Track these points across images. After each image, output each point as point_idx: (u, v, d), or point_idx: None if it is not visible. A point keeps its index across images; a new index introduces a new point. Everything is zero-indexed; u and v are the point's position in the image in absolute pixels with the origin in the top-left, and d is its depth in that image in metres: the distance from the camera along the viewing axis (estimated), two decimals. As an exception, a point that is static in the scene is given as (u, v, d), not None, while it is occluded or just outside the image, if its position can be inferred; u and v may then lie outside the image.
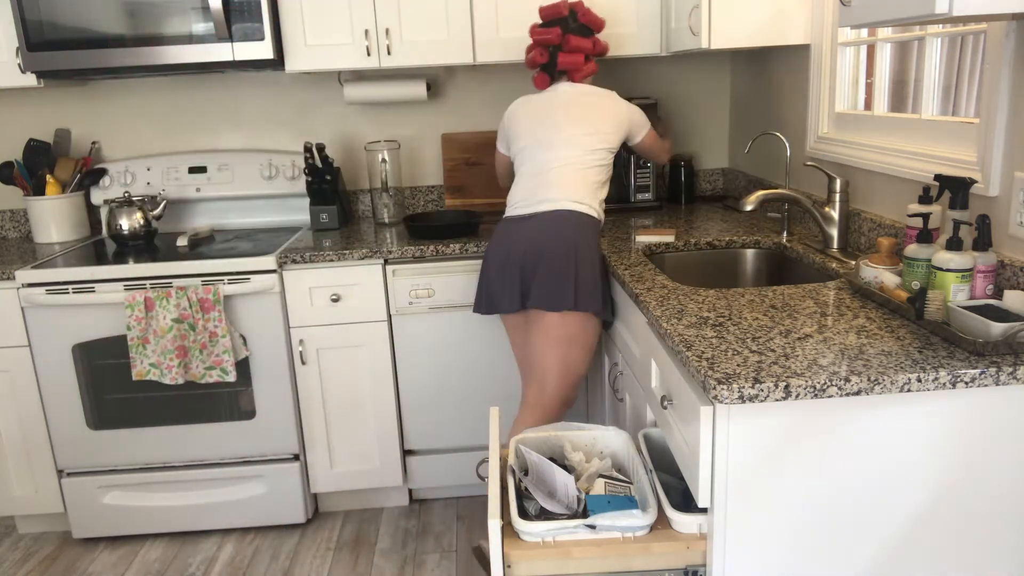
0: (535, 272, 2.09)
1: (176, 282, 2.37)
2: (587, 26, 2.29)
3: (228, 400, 2.49)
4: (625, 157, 2.88)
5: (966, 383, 1.24)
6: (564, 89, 2.28)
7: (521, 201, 2.21)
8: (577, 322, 2.10)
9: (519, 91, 3.02)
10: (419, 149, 3.05)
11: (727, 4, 2.23)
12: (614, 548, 1.39)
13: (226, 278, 2.37)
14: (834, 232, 2.09)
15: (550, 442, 1.69)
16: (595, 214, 2.19)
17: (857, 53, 2.19)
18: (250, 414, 2.50)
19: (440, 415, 2.60)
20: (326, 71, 2.72)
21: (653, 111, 2.82)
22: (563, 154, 2.18)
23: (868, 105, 2.21)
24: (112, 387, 2.46)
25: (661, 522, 1.43)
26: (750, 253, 2.29)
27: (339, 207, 2.78)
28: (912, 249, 1.58)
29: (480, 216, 2.65)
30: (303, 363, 2.49)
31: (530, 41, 2.38)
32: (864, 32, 2.11)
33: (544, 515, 1.47)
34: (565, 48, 2.26)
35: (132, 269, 2.38)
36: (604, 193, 2.26)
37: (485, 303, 2.21)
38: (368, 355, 2.51)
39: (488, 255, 2.21)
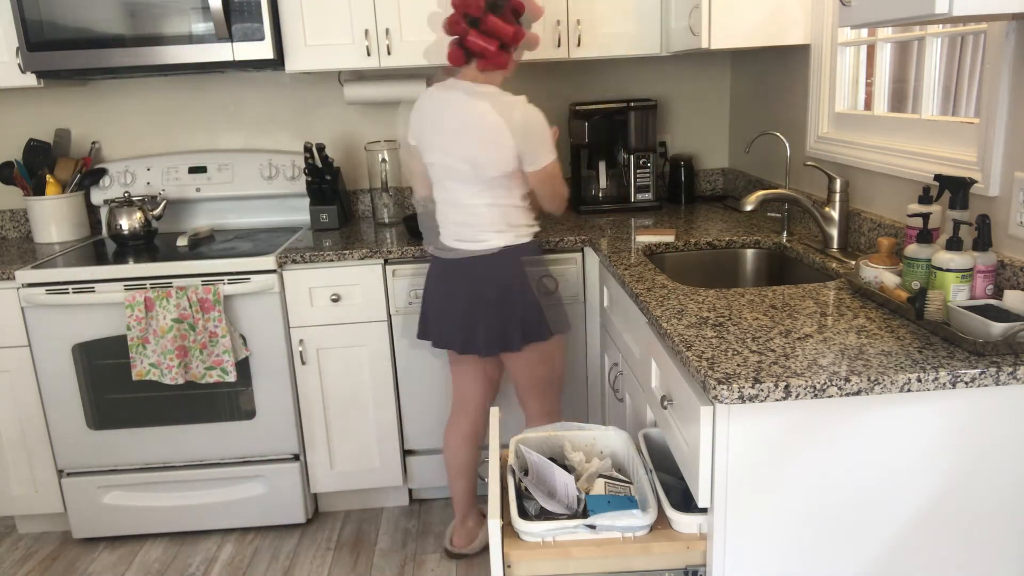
0: (482, 321, 2.07)
1: (176, 282, 2.37)
2: (516, 9, 1.98)
3: (228, 400, 2.49)
4: (625, 157, 2.89)
5: (966, 383, 1.24)
6: (457, 104, 2.00)
7: (445, 235, 2.12)
8: (538, 347, 2.15)
9: (519, 91, 3.01)
10: (419, 149, 3.04)
11: (727, 4, 2.23)
12: (614, 548, 1.39)
13: (226, 278, 2.37)
14: (834, 232, 2.09)
15: (550, 442, 1.69)
16: (518, 239, 2.08)
17: (857, 53, 2.19)
18: (250, 414, 2.50)
19: (440, 415, 2.60)
20: (326, 71, 2.72)
21: (654, 114, 2.82)
22: (471, 189, 2.03)
23: (868, 105, 2.21)
24: (112, 387, 2.46)
25: (661, 522, 1.43)
26: (750, 253, 2.29)
27: (339, 207, 2.78)
28: (912, 249, 1.58)
29: None
30: (303, 363, 2.49)
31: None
32: (864, 32, 2.11)
33: (544, 515, 1.47)
34: (480, 27, 1.95)
35: (132, 269, 2.38)
36: (524, 196, 2.09)
37: (437, 338, 2.18)
38: (368, 355, 2.51)
39: (430, 286, 2.18)
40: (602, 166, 2.93)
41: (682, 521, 1.39)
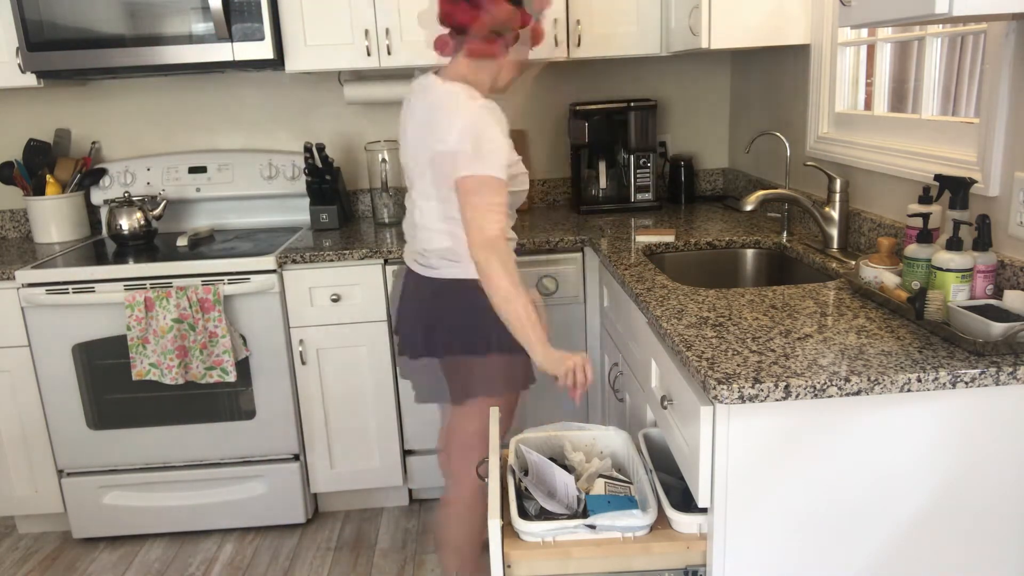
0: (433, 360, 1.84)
1: (176, 282, 2.37)
2: None
3: (228, 400, 2.49)
4: (625, 157, 2.89)
5: (966, 383, 1.24)
6: (423, 101, 1.73)
7: (406, 254, 1.90)
8: (483, 402, 1.83)
9: (519, 91, 3.01)
10: (419, 149, 3.04)
11: (727, 4, 2.23)
12: (614, 548, 1.39)
13: (226, 278, 2.37)
14: (834, 232, 2.09)
15: (550, 442, 1.69)
16: (465, 274, 1.73)
17: (857, 53, 2.19)
18: (250, 414, 2.50)
19: (440, 415, 2.60)
20: (326, 71, 2.72)
21: (654, 114, 2.82)
22: (417, 203, 1.77)
23: (868, 105, 2.21)
24: (112, 387, 2.46)
25: (661, 522, 1.43)
26: (750, 253, 2.29)
27: (339, 207, 2.78)
28: (912, 249, 1.58)
29: None
30: (303, 363, 2.49)
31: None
32: (864, 32, 2.11)
33: (544, 515, 1.47)
34: (471, 1, 1.64)
35: (132, 269, 2.38)
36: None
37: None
38: (368, 355, 2.51)
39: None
40: (602, 166, 2.93)
41: (682, 521, 1.39)
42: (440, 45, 1.76)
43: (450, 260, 1.75)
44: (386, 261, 2.45)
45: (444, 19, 1.70)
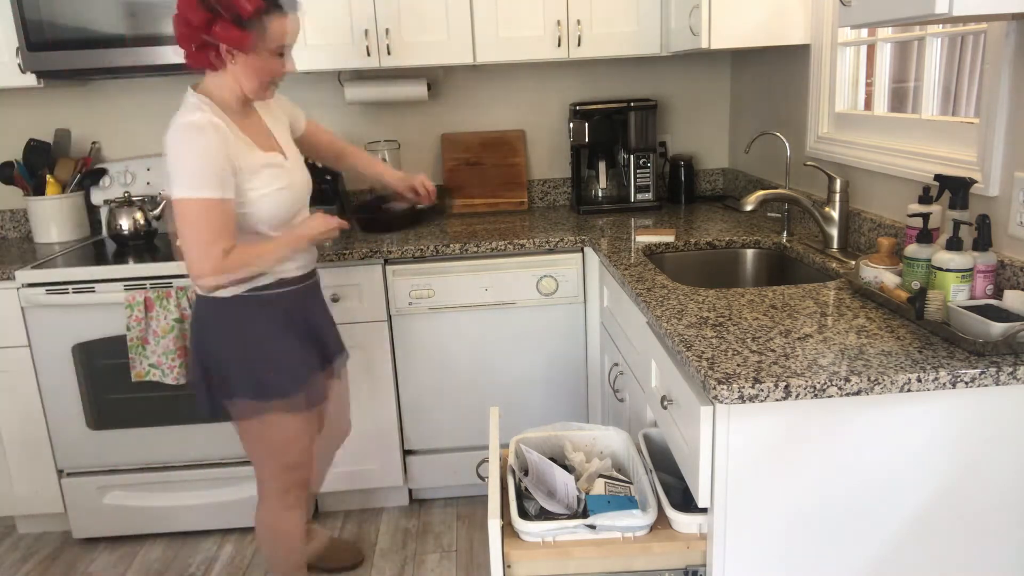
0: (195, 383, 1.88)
1: (176, 282, 2.37)
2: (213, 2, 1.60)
3: (228, 400, 2.48)
4: (625, 157, 2.89)
5: (966, 383, 1.24)
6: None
7: None
8: (239, 418, 1.86)
9: (519, 91, 3.02)
10: (419, 149, 3.05)
11: (727, 4, 2.23)
12: (614, 548, 1.39)
13: (226, 278, 2.37)
14: (834, 232, 2.09)
15: (550, 442, 1.69)
16: (216, 294, 1.77)
17: (857, 53, 2.19)
18: (250, 414, 2.50)
19: (440, 415, 2.60)
20: (326, 71, 2.72)
21: (654, 114, 2.82)
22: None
23: (868, 105, 2.21)
24: (112, 387, 2.46)
25: (661, 522, 1.43)
26: (750, 253, 2.29)
27: (339, 207, 2.78)
28: (912, 249, 1.58)
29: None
30: (303, 363, 2.49)
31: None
32: (864, 32, 2.11)
33: (544, 515, 1.47)
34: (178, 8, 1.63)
35: (132, 269, 2.38)
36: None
37: None
38: (368, 355, 2.51)
39: None
40: (602, 166, 2.94)
41: (682, 521, 1.40)
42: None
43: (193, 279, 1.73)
44: (386, 261, 2.45)
45: (181, 20, 1.65)
